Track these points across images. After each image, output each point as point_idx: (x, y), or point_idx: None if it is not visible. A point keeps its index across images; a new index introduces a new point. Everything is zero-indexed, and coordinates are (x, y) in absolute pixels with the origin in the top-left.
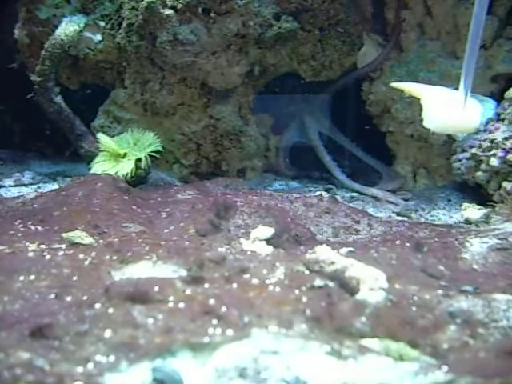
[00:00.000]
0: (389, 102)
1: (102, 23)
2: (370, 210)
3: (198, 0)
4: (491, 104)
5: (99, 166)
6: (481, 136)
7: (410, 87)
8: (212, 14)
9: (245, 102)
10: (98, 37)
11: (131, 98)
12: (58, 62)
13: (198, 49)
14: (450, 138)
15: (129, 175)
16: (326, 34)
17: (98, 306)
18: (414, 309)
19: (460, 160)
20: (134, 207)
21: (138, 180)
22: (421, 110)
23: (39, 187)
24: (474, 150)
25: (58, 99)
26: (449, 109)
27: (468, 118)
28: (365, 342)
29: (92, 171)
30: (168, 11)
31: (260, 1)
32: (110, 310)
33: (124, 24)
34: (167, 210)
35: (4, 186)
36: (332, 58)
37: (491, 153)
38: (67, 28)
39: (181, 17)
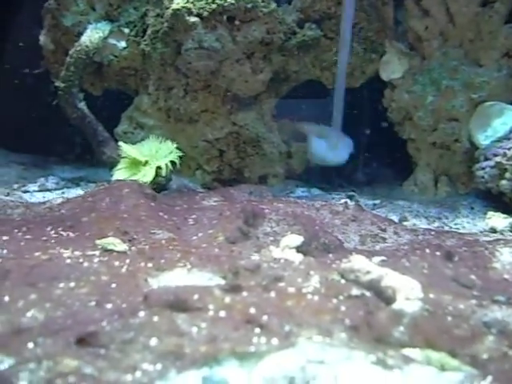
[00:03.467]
0: (411, 110)
1: (127, 30)
2: (394, 218)
3: (223, 8)
4: None
5: (121, 173)
6: (505, 144)
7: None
8: (237, 22)
9: (267, 109)
10: (123, 43)
11: (155, 105)
12: (83, 69)
13: (222, 56)
14: (473, 146)
15: (150, 183)
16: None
17: (142, 314)
18: (449, 318)
19: (484, 168)
20: (160, 214)
21: (159, 187)
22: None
23: (63, 192)
24: (498, 159)
25: (82, 105)
26: (323, 147)
27: (337, 156)
28: (406, 351)
29: (114, 178)
30: (194, 19)
31: (284, 9)
32: (155, 319)
33: (149, 31)
34: (194, 216)
35: (29, 191)
36: (354, 65)
37: None
38: (92, 35)
39: (206, 24)
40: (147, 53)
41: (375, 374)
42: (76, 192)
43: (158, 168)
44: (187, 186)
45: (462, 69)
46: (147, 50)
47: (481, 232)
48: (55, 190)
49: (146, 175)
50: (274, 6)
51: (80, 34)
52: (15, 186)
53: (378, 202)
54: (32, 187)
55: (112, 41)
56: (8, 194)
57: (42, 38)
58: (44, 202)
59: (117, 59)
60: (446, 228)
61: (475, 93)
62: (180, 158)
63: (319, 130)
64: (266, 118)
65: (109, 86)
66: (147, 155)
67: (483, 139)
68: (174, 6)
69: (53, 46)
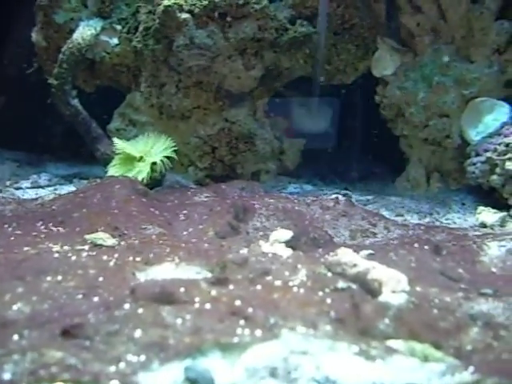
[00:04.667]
0: (403, 106)
1: (119, 27)
2: (385, 213)
3: (214, 4)
4: (506, 108)
5: (115, 169)
6: (496, 140)
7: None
8: (228, 19)
9: (259, 106)
10: (115, 40)
11: (147, 101)
12: (75, 66)
13: (214, 52)
14: (464, 142)
15: (145, 179)
16: (340, 39)
17: (127, 306)
18: (435, 311)
19: (475, 164)
20: (151, 209)
21: (153, 183)
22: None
23: (56, 189)
24: (488, 154)
25: (75, 102)
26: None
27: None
28: (390, 343)
29: (108, 174)
30: (185, 15)
31: (276, 5)
32: (140, 311)
33: (140, 28)
34: (185, 212)
35: (21, 188)
36: (346, 62)
37: (506, 156)
38: (84, 32)
39: (197, 21)
40: (139, 49)
41: (356, 364)
42: (68, 189)
43: (153, 164)
44: (180, 183)
45: (453, 65)
46: (139, 47)
47: (471, 227)
48: (48, 186)
49: (141, 171)
50: (265, 2)
51: (72, 30)
52: (7, 182)
53: (370, 197)
54: (24, 184)
55: (104, 37)
56: (0, 191)
57: (35, 35)
58: (36, 199)
59: (109, 56)
60: (437, 223)
61: (466, 89)
62: (175, 153)
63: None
64: (258, 115)
65: (101, 82)
66: (142, 151)
67: (474, 135)
68: (166, 3)
69: (45, 43)
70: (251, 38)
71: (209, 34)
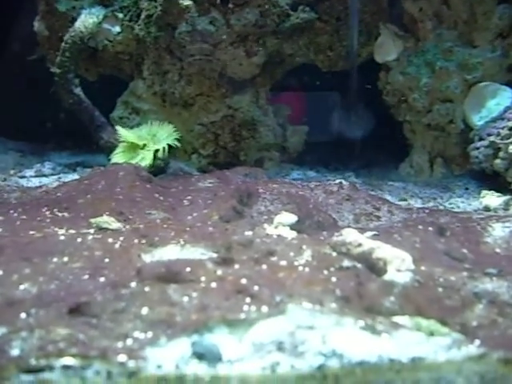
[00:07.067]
0: (406, 92)
1: (121, 15)
2: (389, 199)
3: None
4: (509, 93)
5: (119, 157)
6: (499, 124)
7: None
8: (230, 5)
9: (262, 92)
10: (117, 28)
11: (150, 89)
12: (78, 54)
13: (216, 39)
14: (467, 127)
15: (148, 165)
16: (342, 24)
17: (133, 285)
18: (440, 289)
19: (478, 148)
20: (156, 195)
21: (157, 170)
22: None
23: (60, 177)
24: (492, 138)
25: (78, 90)
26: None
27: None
28: (396, 318)
29: (112, 162)
30: (187, 2)
31: None
32: (146, 289)
33: (143, 15)
34: (189, 197)
35: (25, 177)
36: (349, 48)
37: (509, 140)
38: (86, 20)
39: (200, 8)
40: (141, 37)
41: (363, 338)
42: (72, 177)
43: (157, 151)
44: (183, 170)
45: (456, 50)
46: (141, 35)
47: (475, 210)
48: (51, 175)
49: (145, 159)
50: None
51: (74, 19)
52: (11, 171)
53: (375, 183)
54: (28, 173)
55: (106, 26)
56: (5, 180)
57: (37, 25)
58: (40, 186)
59: (111, 44)
60: (441, 207)
61: (469, 74)
62: (178, 140)
63: None
64: (260, 102)
65: (104, 71)
66: (145, 139)
67: (477, 120)
68: None
69: (47, 32)
70: (253, 24)
71: (211, 20)
